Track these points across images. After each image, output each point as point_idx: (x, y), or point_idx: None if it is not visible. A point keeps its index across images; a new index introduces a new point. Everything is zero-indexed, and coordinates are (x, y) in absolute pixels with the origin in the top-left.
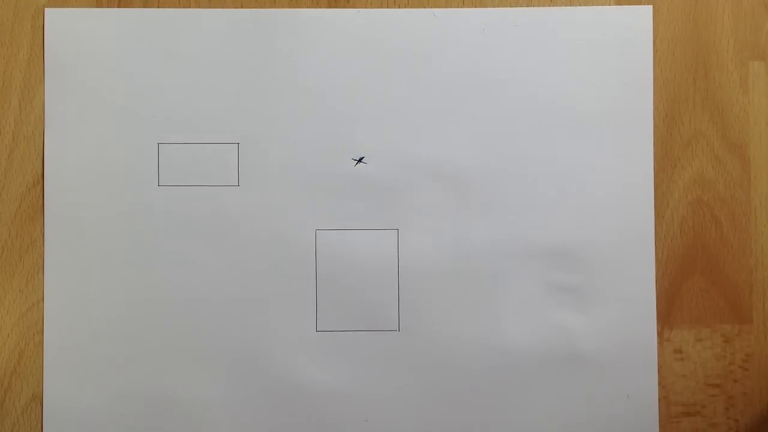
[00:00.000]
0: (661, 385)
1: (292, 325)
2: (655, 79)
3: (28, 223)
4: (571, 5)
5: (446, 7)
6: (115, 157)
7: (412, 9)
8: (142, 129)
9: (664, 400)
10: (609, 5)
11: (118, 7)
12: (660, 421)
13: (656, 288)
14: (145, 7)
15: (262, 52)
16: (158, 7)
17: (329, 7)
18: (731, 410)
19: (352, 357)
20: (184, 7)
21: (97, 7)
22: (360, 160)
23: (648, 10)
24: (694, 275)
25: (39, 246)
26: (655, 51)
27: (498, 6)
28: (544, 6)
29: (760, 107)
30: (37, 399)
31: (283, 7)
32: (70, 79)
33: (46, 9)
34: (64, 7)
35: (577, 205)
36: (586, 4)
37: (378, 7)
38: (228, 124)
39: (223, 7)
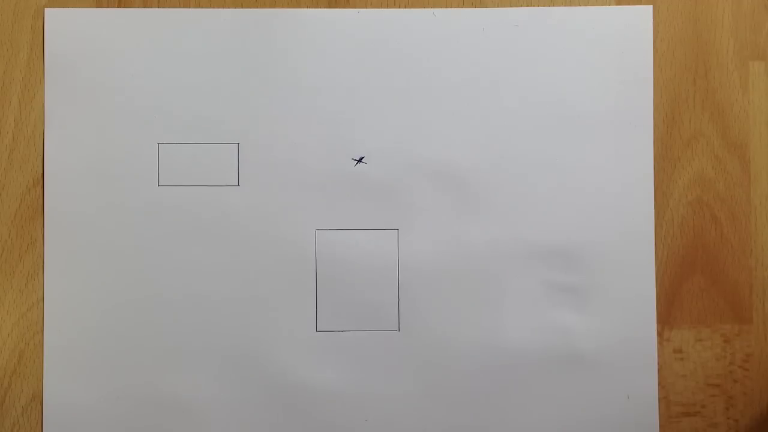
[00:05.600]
0: (661, 385)
1: (292, 325)
2: (655, 79)
3: (28, 223)
4: (571, 5)
5: (446, 7)
6: (115, 157)
7: (412, 9)
8: (142, 129)
9: (664, 400)
10: (609, 5)
11: (118, 7)
12: (660, 421)
13: (656, 288)
14: (145, 7)
15: (262, 52)
16: (158, 7)
17: (329, 7)
18: (731, 410)
19: (352, 357)
20: (184, 7)
21: (97, 7)
22: (360, 160)
23: (648, 10)
24: (694, 275)
25: (39, 246)
26: (655, 51)
27: (498, 6)
28: (544, 6)
29: (760, 107)
30: (37, 399)
31: (283, 7)
32: (70, 79)
33: (46, 9)
34: (64, 7)
35: (576, 205)
36: (586, 4)
37: (378, 7)
38: (228, 124)
39: (223, 7)
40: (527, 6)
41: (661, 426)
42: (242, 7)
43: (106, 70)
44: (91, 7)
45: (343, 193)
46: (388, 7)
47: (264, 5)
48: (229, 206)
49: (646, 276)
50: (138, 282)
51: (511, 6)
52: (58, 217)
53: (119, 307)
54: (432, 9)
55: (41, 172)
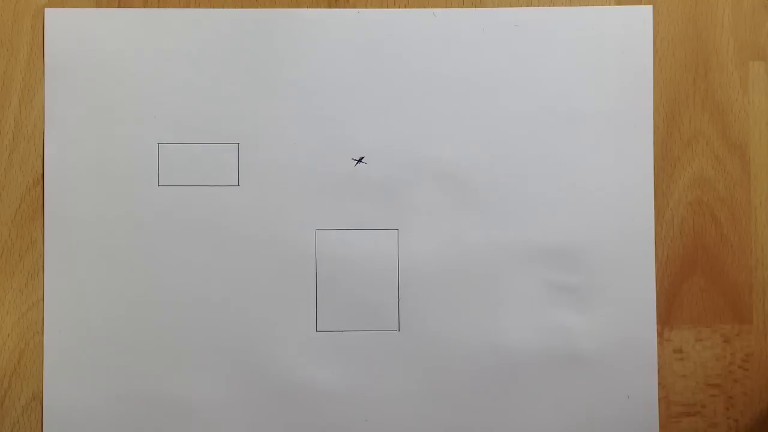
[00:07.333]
0: (661, 385)
1: (292, 325)
2: (655, 79)
3: (28, 223)
4: (571, 5)
5: (446, 7)
6: (115, 157)
7: (412, 9)
8: (142, 129)
9: (664, 400)
10: (609, 5)
11: (118, 7)
12: (660, 421)
13: (656, 288)
14: (145, 7)
15: (262, 52)
16: (158, 7)
17: (329, 7)
18: (731, 410)
19: (352, 357)
20: (184, 7)
21: (97, 7)
22: (360, 160)
23: (648, 10)
24: (694, 275)
25: (39, 246)
26: (655, 51)
27: (498, 6)
28: (544, 6)
29: (760, 107)
30: (37, 399)
31: (283, 7)
32: (70, 79)
33: (46, 9)
34: (64, 7)
35: (577, 205)
36: (586, 4)
37: (378, 7)
38: (228, 124)
39: (223, 7)
40: (527, 6)
41: (661, 426)
42: (242, 7)
43: (106, 70)
44: (91, 7)
45: (343, 193)
46: (388, 7)
47: (264, 5)
48: (229, 206)
49: (646, 276)
50: (138, 282)
51: (511, 6)
52: (58, 217)
53: (119, 306)
54: (432, 9)
55: (41, 172)
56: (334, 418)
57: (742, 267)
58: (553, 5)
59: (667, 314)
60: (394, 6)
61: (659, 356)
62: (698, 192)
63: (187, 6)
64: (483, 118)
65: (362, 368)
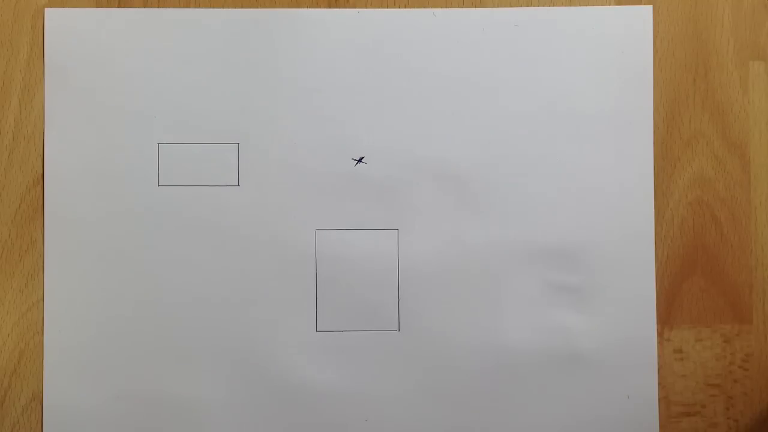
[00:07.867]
0: (661, 385)
1: (292, 325)
2: (655, 79)
3: (28, 223)
4: (571, 5)
5: (446, 7)
6: (115, 157)
7: (412, 9)
8: (142, 129)
9: (664, 400)
10: (609, 5)
11: (118, 7)
12: (660, 421)
13: (656, 288)
14: (145, 7)
15: (262, 52)
16: (158, 7)
17: (329, 7)
18: (731, 410)
19: (352, 357)
20: (184, 7)
21: (97, 7)
22: (360, 160)
23: (648, 10)
24: (694, 275)
25: (39, 246)
26: (655, 51)
27: (498, 6)
28: (544, 6)
29: (760, 107)
30: (37, 399)
31: (283, 7)
32: (70, 79)
33: (46, 9)
34: (64, 7)
35: (577, 205)
36: (586, 4)
37: (378, 7)
38: (228, 124)
39: (223, 7)
40: (527, 6)
41: (661, 426)
42: (242, 7)
43: (106, 69)
44: (91, 7)
45: (343, 193)
46: (388, 7)
47: (264, 5)
48: (229, 206)
49: (646, 276)
50: (138, 282)
51: (511, 6)
52: (58, 217)
53: (119, 307)
54: (432, 9)
55: (41, 172)
56: (334, 418)
57: (742, 267)
58: (553, 5)
59: (667, 314)
60: (394, 6)
61: (659, 356)
62: (698, 192)
63: (187, 6)
64: (483, 118)
65: (362, 368)
